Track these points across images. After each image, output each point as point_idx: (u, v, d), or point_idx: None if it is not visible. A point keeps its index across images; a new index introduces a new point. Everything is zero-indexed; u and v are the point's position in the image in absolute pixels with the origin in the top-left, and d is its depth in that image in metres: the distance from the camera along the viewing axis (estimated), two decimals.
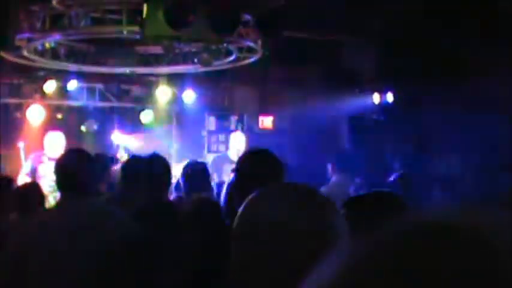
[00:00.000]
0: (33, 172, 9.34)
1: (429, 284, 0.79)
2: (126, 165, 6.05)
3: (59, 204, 4.53)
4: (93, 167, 4.48)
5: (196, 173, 6.46)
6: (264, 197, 1.73)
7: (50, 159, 9.32)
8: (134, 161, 6.04)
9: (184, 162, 7.07)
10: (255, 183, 2.12)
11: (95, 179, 4.55)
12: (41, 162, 9.56)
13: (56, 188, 4.65)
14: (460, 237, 0.83)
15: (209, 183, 6.73)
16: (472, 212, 0.87)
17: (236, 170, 3.41)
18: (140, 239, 3.24)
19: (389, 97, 13.07)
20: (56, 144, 9.72)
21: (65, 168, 4.37)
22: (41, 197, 6.14)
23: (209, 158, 12.01)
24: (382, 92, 13.10)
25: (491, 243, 0.82)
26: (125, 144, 12.21)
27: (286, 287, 0.88)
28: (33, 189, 6.23)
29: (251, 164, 3.44)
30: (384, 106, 13.20)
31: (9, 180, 6.50)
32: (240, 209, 1.69)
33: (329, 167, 7.74)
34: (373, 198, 3.03)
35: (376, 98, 13.23)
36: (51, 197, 8.18)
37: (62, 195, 4.40)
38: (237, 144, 10.60)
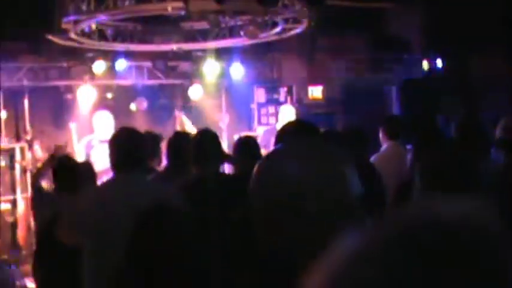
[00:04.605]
0: (87, 158, 9.41)
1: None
2: (173, 141, 6.09)
3: (111, 181, 4.57)
4: (143, 145, 4.52)
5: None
6: (276, 155, 1.74)
7: (101, 141, 9.41)
8: (181, 136, 6.06)
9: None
10: None
11: (145, 156, 4.59)
12: (92, 146, 9.65)
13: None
14: (461, 236, 0.84)
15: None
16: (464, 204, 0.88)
17: (276, 142, 3.38)
18: (185, 213, 3.25)
19: (439, 62, 12.90)
20: (104, 124, 9.79)
21: (117, 146, 4.42)
22: (93, 175, 6.21)
23: (259, 131, 12.03)
24: (431, 58, 12.94)
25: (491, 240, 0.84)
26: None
27: (301, 240, 0.91)
28: (86, 168, 6.29)
29: (291, 134, 3.39)
30: (433, 71, 13.03)
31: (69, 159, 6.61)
32: (256, 167, 1.70)
33: (380, 134, 7.67)
34: None
35: (425, 63, 13.07)
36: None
37: (114, 173, 4.45)
38: (287, 116, 10.55)
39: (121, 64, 12.00)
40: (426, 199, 0.93)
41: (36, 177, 6.90)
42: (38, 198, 6.60)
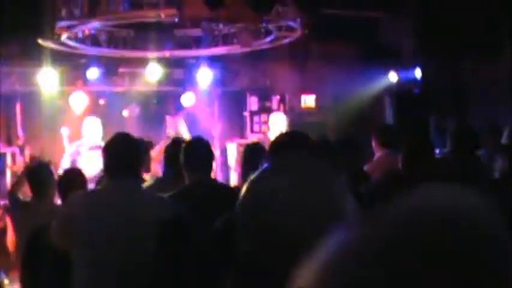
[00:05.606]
0: (75, 164, 9.39)
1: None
2: (168, 149, 6.08)
3: (106, 186, 4.55)
4: (138, 151, 4.52)
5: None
6: (265, 175, 1.71)
7: (89, 148, 9.39)
8: (175, 144, 6.05)
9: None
10: None
11: (140, 163, 4.59)
12: (79, 154, 9.63)
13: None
14: (460, 224, 0.84)
15: None
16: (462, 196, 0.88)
17: (268, 156, 3.36)
18: (179, 220, 3.25)
19: (431, 69, 12.92)
20: (93, 130, 9.77)
21: (111, 152, 4.40)
22: (83, 182, 6.18)
23: (252, 139, 12.01)
24: (423, 65, 12.96)
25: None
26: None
27: (289, 257, 0.90)
28: (76, 174, 6.27)
29: (282, 148, 3.37)
30: (425, 79, 13.05)
31: (48, 165, 6.64)
32: (244, 187, 1.67)
33: (373, 142, 7.67)
34: None
35: (417, 72, 13.10)
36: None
37: (108, 178, 4.43)
38: (278, 124, 10.55)
39: (113, 70, 11.99)
40: (424, 196, 0.91)
41: (14, 187, 6.94)
42: (16, 208, 6.63)
